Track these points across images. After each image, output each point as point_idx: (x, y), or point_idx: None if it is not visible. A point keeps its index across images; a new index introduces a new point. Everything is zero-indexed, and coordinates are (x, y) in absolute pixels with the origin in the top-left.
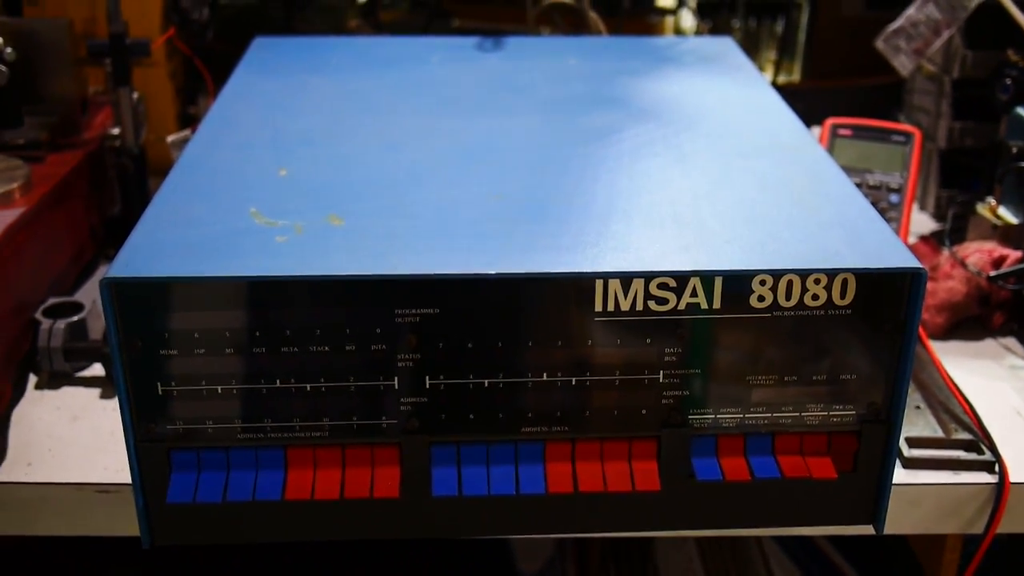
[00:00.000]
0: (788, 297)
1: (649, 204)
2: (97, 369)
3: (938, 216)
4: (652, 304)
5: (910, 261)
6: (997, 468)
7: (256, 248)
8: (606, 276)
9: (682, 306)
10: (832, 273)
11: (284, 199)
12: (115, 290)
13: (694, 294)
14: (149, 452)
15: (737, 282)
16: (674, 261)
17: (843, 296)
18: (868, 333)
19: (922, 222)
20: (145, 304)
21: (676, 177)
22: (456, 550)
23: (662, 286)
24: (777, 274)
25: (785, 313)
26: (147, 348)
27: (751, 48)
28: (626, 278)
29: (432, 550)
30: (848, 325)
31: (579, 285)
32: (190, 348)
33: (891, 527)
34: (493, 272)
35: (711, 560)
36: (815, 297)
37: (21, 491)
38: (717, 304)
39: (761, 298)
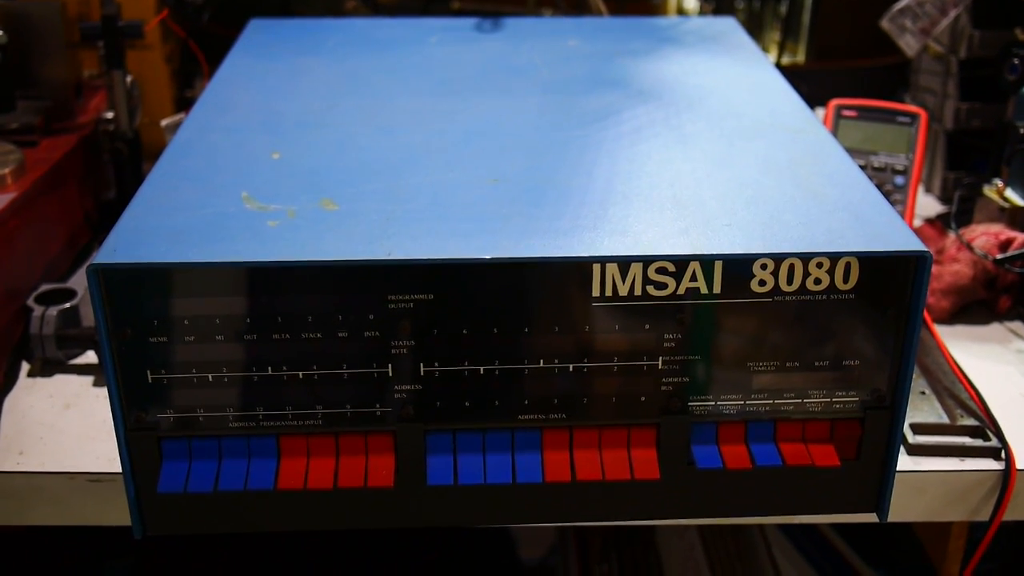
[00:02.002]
0: (790, 281)
1: (649, 186)
2: (90, 356)
3: (944, 198)
4: (651, 289)
5: (915, 244)
6: (1003, 454)
7: (247, 233)
8: (604, 260)
9: (682, 291)
10: (835, 257)
11: (277, 183)
12: (103, 277)
13: (694, 278)
14: (140, 441)
15: (738, 266)
16: (673, 245)
17: (846, 280)
18: (872, 318)
19: (928, 204)
20: (134, 291)
21: (676, 159)
22: (457, 538)
23: (661, 270)
24: (779, 258)
25: (787, 298)
26: (136, 335)
27: (755, 28)
28: (624, 262)
29: (433, 538)
30: (851, 310)
31: (577, 270)
32: (180, 335)
33: (896, 515)
34: (489, 257)
35: (713, 547)
36: (817, 281)
37: (12, 480)
38: (717, 289)
39: (762, 282)
